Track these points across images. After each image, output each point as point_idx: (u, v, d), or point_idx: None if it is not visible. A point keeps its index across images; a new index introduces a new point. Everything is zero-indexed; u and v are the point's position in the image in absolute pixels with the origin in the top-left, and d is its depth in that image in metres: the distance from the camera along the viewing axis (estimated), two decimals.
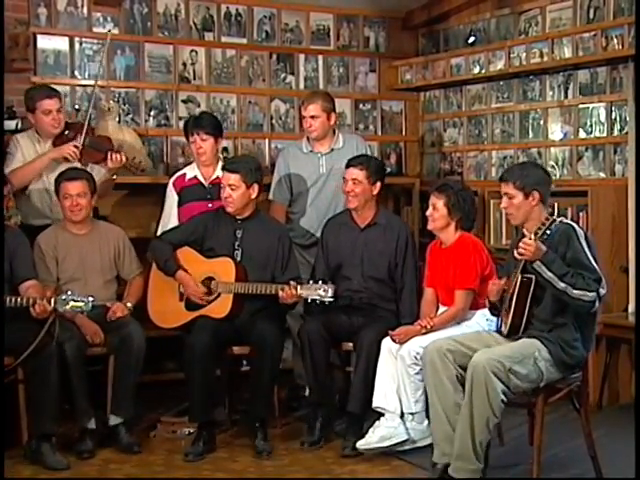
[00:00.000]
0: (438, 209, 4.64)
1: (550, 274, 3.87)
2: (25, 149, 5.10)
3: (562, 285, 3.86)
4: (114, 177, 5.20)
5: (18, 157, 5.07)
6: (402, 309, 4.89)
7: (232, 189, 4.81)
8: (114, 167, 5.12)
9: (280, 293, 4.65)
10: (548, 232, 3.85)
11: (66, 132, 5.13)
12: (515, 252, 3.93)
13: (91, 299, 4.40)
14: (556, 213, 3.87)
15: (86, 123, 5.16)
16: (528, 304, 4.02)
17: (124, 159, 5.13)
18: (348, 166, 4.95)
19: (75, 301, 4.35)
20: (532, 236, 3.86)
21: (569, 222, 4.05)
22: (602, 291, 3.93)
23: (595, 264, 3.95)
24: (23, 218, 5.16)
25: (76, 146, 5.05)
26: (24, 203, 5.13)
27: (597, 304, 3.95)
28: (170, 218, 5.28)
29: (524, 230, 4.06)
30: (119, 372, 4.68)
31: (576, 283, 3.87)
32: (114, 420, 4.66)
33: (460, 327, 4.57)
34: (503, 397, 3.89)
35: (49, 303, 4.34)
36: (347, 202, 4.96)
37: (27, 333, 4.36)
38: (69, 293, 4.38)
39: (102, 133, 5.46)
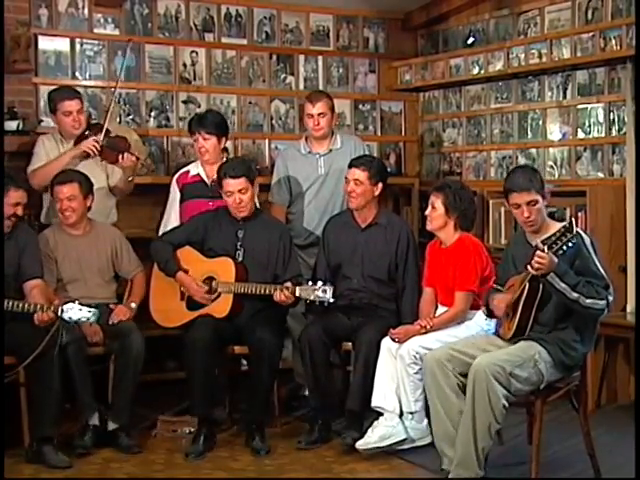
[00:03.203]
0: (436, 208, 4.65)
1: (564, 285, 3.84)
2: (50, 149, 5.16)
3: (575, 295, 3.85)
4: (130, 179, 5.23)
5: (42, 156, 5.13)
6: (404, 309, 4.91)
7: (243, 193, 4.83)
8: (127, 167, 5.15)
9: (275, 296, 4.68)
10: (565, 248, 3.77)
11: (87, 132, 5.17)
12: (529, 267, 3.85)
13: (97, 311, 4.41)
14: (574, 229, 3.74)
15: (106, 123, 5.20)
16: (534, 310, 4.01)
17: (135, 160, 5.17)
18: (351, 166, 4.97)
19: (82, 312, 4.35)
20: (545, 249, 3.78)
21: (577, 230, 3.91)
22: (610, 298, 3.93)
23: (602, 270, 3.96)
24: (46, 217, 5.20)
25: (96, 141, 5.09)
26: (49, 203, 5.16)
27: (606, 311, 3.96)
28: (171, 214, 5.32)
29: (535, 241, 3.96)
30: (117, 379, 4.70)
31: (587, 292, 3.86)
32: (112, 426, 4.68)
33: (460, 327, 4.60)
34: (505, 402, 3.89)
35: (55, 312, 4.36)
36: (349, 202, 4.98)
37: (31, 334, 4.37)
38: (76, 303, 4.39)
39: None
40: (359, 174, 4.92)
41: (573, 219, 3.84)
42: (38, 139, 5.26)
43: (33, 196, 5.29)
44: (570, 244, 3.77)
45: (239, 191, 4.82)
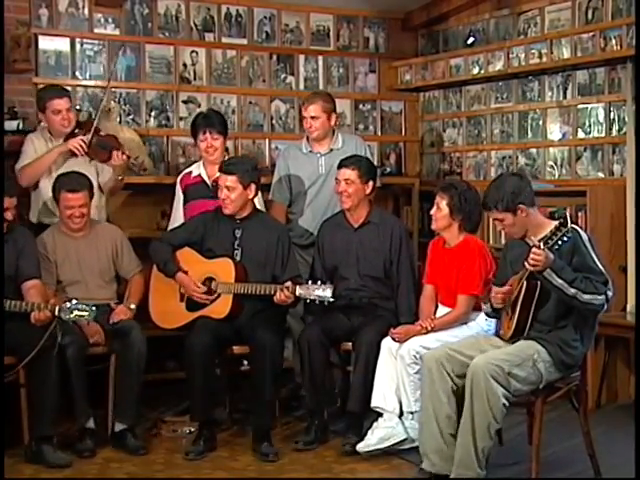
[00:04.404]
0: (441, 209, 4.64)
1: (560, 281, 3.84)
2: (38, 147, 5.14)
3: (572, 291, 3.85)
4: (120, 178, 5.21)
5: (30, 154, 5.11)
6: (400, 307, 4.91)
7: (229, 190, 4.84)
8: (118, 166, 5.13)
9: (275, 297, 4.68)
10: (560, 243, 3.79)
11: (76, 131, 5.15)
12: (526, 264, 3.87)
13: (94, 308, 4.42)
14: (569, 223, 3.76)
15: (95, 122, 5.19)
16: (533, 309, 4.01)
17: (126, 158, 5.15)
18: (340, 167, 4.98)
19: (79, 310, 4.37)
20: (541, 245, 3.80)
21: (573, 227, 3.92)
22: (609, 293, 3.93)
23: (601, 267, 3.95)
24: (34, 217, 5.19)
25: (83, 140, 5.07)
26: (35, 201, 5.17)
27: (606, 306, 3.96)
28: (176, 216, 5.33)
29: (530, 239, 3.98)
30: (120, 378, 4.70)
31: (585, 288, 3.85)
32: (119, 427, 4.67)
33: (461, 328, 4.59)
34: (504, 401, 3.88)
35: (52, 312, 4.36)
36: (341, 202, 4.98)
37: (30, 334, 4.37)
38: (74, 302, 4.38)
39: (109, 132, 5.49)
40: (349, 174, 4.92)
41: (568, 213, 3.85)
42: (27, 137, 5.22)
43: (24, 196, 5.32)
44: (565, 238, 3.78)
45: (226, 187, 4.83)
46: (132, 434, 4.68)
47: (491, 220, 5.96)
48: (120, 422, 4.67)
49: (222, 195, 4.86)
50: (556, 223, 3.84)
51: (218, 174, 5.06)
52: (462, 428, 3.94)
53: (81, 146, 5.06)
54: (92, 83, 5.97)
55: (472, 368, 3.90)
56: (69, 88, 5.84)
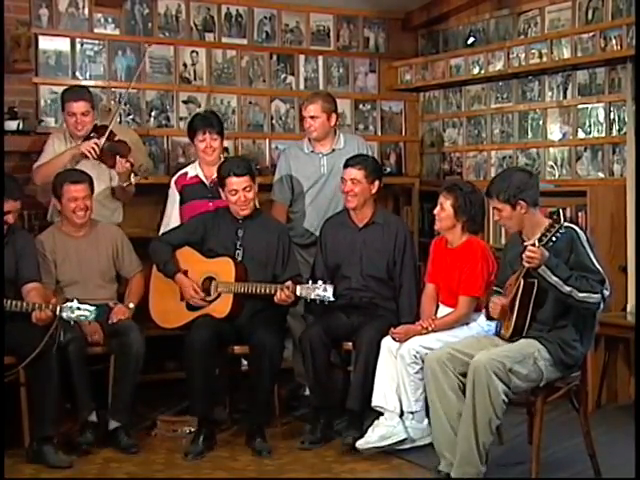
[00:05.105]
0: (445, 209, 4.62)
1: (555, 278, 3.85)
2: (58, 148, 5.16)
3: (567, 289, 3.86)
4: (125, 184, 5.17)
5: (49, 154, 5.14)
6: (401, 307, 4.91)
7: (247, 191, 4.84)
8: (121, 172, 5.12)
9: (276, 296, 4.68)
10: (554, 239, 3.82)
11: (92, 134, 5.14)
12: (524, 262, 3.89)
13: (96, 308, 4.42)
14: (562, 219, 3.81)
15: (110, 126, 5.17)
16: (531, 308, 4.02)
17: (129, 166, 5.12)
18: (346, 166, 4.97)
19: (81, 310, 4.36)
20: (536, 242, 3.82)
21: (571, 225, 4.01)
22: (606, 292, 3.93)
23: (598, 266, 3.96)
24: (51, 217, 5.20)
25: (97, 143, 5.06)
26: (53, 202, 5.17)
27: (602, 305, 3.96)
28: (171, 217, 5.31)
29: (524, 237, 4.04)
30: (117, 378, 4.70)
31: (581, 286, 3.86)
32: (113, 424, 4.69)
33: (462, 328, 4.59)
34: (504, 397, 3.89)
35: (54, 311, 4.36)
36: (346, 202, 4.97)
37: (30, 334, 4.37)
38: (75, 302, 4.38)
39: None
40: (355, 173, 4.92)
41: (561, 210, 3.87)
42: (49, 137, 5.27)
43: (35, 196, 5.34)
44: (558, 234, 3.81)
45: (244, 189, 4.83)
46: (125, 432, 4.69)
47: (492, 218, 6.03)
48: (114, 420, 4.68)
49: (241, 198, 4.83)
50: (550, 220, 3.88)
51: (216, 174, 5.04)
52: (463, 424, 3.95)
53: (94, 149, 5.06)
54: (92, 83, 5.96)
55: (474, 364, 3.91)
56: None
